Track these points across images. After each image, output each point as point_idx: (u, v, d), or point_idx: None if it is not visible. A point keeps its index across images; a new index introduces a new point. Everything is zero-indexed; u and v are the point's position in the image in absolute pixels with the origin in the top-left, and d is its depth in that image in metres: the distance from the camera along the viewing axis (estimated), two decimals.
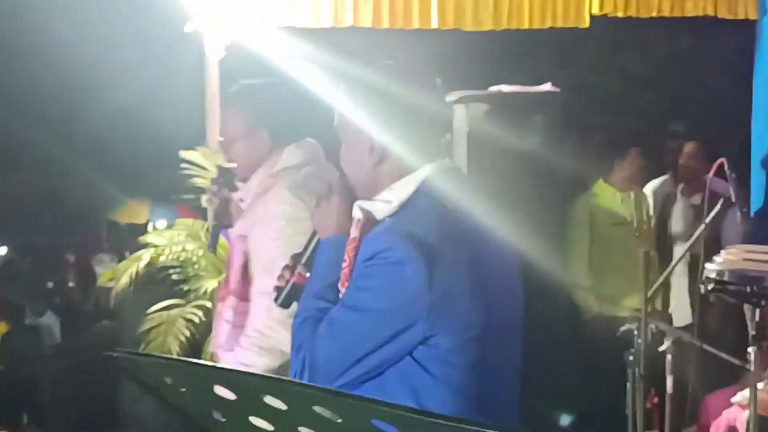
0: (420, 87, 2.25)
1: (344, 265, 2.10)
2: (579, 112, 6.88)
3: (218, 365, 1.16)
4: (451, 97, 5.80)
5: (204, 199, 3.20)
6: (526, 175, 5.35)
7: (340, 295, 2.10)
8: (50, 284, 12.77)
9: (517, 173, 5.35)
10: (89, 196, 15.07)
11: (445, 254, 1.99)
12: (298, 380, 1.96)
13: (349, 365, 1.98)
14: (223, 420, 1.06)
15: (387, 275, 1.98)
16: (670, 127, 7.08)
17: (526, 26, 6.04)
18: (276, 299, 2.33)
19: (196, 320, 5.34)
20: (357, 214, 2.13)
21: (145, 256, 5.63)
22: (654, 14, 6.04)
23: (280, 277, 2.32)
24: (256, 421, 1.03)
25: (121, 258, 12.64)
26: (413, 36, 6.23)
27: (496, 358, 2.09)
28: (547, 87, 5.69)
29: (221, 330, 3.03)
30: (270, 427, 1.03)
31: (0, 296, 10.69)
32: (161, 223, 14.27)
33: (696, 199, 5.34)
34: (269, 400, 0.97)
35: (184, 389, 1.07)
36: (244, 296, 2.94)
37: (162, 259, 5.62)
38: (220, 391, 1.02)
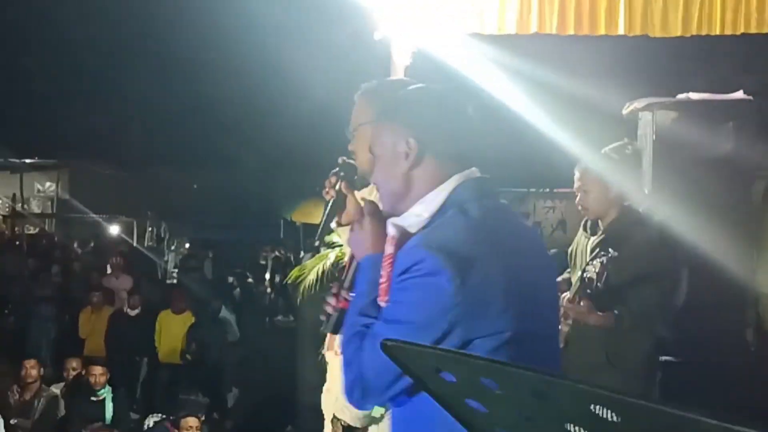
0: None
1: (382, 281, 2.11)
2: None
3: (486, 358, 1.15)
4: (637, 104, 5.66)
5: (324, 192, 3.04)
6: (716, 182, 5.17)
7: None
8: (230, 279, 13.32)
9: (706, 180, 5.17)
10: (270, 196, 15.57)
11: (477, 261, 2.00)
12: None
13: (395, 378, 1.99)
14: (487, 412, 1.05)
15: (421, 287, 1.99)
16: None
17: (717, 32, 5.79)
18: (324, 327, 2.34)
19: None
20: (391, 231, 2.13)
21: (331, 255, 5.73)
22: None
23: (327, 304, 2.33)
24: (520, 413, 1.03)
25: (296, 256, 13.05)
26: (598, 42, 6.09)
27: (533, 362, 2.05)
28: (739, 95, 5.47)
29: None
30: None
31: (184, 288, 11.23)
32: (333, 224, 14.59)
33: None
34: (536, 394, 0.97)
35: (455, 380, 1.06)
36: None
37: (347, 258, 5.69)
38: (487, 382, 1.02)
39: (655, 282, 4.27)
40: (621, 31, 5.84)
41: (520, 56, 5.78)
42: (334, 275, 5.96)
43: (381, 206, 2.27)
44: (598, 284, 4.23)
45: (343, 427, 2.89)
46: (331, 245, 5.92)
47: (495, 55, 5.83)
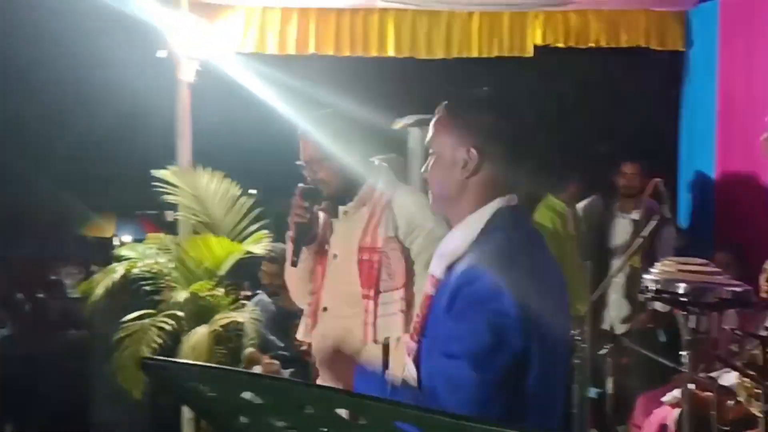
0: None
1: (416, 320, 2.03)
2: (522, 133, 6.94)
3: (246, 372, 1.16)
4: (407, 120, 5.83)
5: (291, 216, 3.06)
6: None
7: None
8: (19, 295, 12.53)
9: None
10: (59, 212, 14.87)
11: (523, 283, 1.85)
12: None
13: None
14: (248, 422, 1.06)
15: (483, 313, 1.81)
16: (603, 149, 7.21)
17: (474, 55, 6.11)
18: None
19: (168, 328, 5.27)
20: (437, 272, 1.97)
21: (119, 268, 5.54)
22: (592, 45, 6.15)
23: None
24: (279, 423, 1.03)
25: (88, 270, 12.46)
26: (372, 63, 6.25)
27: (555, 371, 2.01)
28: None
29: (394, 319, 2.87)
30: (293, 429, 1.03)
31: None
32: (127, 237, 14.13)
33: (633, 215, 5.42)
34: (294, 403, 0.98)
35: (213, 394, 1.06)
36: (410, 289, 2.88)
37: (135, 271, 5.55)
38: (247, 395, 1.02)
39: None
40: (391, 53, 6.05)
41: (300, 76, 5.82)
42: (125, 287, 5.78)
43: (431, 203, 2.10)
44: None
45: None
46: (119, 259, 5.74)
47: (276, 74, 5.85)
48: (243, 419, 1.06)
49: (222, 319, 5.29)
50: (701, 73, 6.05)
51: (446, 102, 2.05)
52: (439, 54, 6.08)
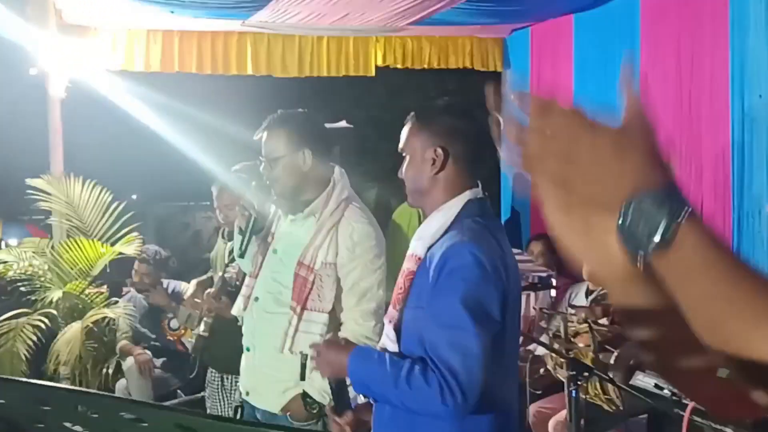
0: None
1: (399, 292, 2.05)
2: (369, 142, 7.07)
3: (29, 381, 1.15)
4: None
5: (237, 212, 2.87)
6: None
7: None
8: None
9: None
10: None
11: (496, 259, 1.97)
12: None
13: (479, 368, 1.88)
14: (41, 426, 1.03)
15: (474, 279, 1.92)
16: None
17: (324, 74, 6.18)
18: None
19: (43, 326, 5.10)
20: (419, 251, 2.04)
21: None
22: (426, 66, 6.34)
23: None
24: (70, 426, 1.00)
25: None
26: (234, 81, 6.22)
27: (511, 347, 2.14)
28: (342, 123, 5.84)
29: (314, 338, 2.69)
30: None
31: None
32: (13, 241, 13.47)
33: None
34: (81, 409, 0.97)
35: (3, 401, 1.03)
36: (335, 314, 2.72)
37: (11, 273, 5.34)
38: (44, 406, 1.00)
39: None
40: (249, 71, 6.04)
41: (165, 92, 5.75)
42: (2, 288, 5.56)
43: (409, 198, 2.16)
44: (237, 283, 4.32)
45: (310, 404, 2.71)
46: None
47: (142, 90, 5.76)
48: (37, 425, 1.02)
49: (94, 315, 5.16)
50: (517, 88, 6.30)
51: (414, 112, 2.15)
52: (294, 73, 6.11)
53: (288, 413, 2.78)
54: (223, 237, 4.86)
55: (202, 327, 4.34)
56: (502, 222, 6.21)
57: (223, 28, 5.79)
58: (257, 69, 6.02)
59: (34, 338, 5.02)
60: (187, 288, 5.42)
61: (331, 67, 6.10)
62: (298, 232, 2.76)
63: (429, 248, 2.03)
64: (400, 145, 2.17)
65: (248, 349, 2.87)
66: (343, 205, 2.73)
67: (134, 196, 5.86)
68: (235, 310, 2.98)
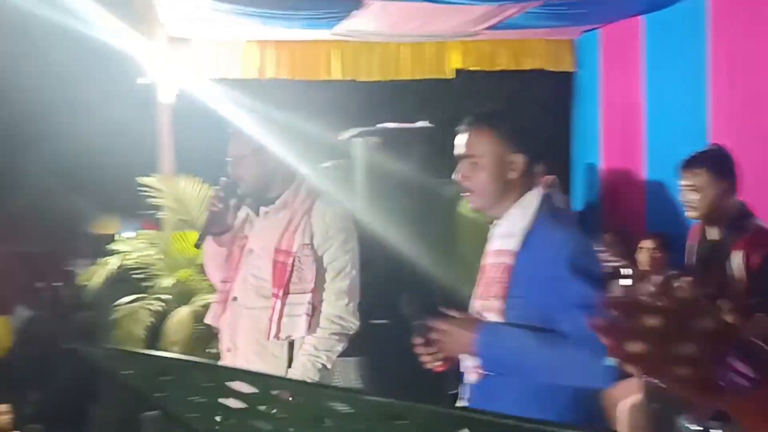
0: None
1: (500, 284, 1.95)
2: (446, 141, 6.91)
3: (160, 355, 1.10)
4: (351, 132, 5.77)
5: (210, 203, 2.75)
6: (408, 188, 5.34)
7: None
8: (39, 284, 12.26)
9: (401, 187, 5.34)
10: (72, 213, 14.62)
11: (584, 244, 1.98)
12: None
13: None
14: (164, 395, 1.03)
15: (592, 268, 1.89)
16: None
17: (405, 77, 6.09)
18: None
19: (156, 309, 5.17)
20: (512, 246, 1.95)
21: (113, 260, 5.43)
22: (501, 68, 6.16)
23: None
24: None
25: (95, 262, 12.21)
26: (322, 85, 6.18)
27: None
28: (421, 123, 5.71)
29: (299, 320, 2.62)
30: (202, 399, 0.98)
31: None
32: (128, 234, 13.91)
33: None
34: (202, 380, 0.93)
35: (131, 372, 1.02)
36: (318, 294, 2.63)
37: (128, 262, 5.44)
38: (163, 376, 0.98)
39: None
40: (336, 76, 5.99)
41: (260, 97, 5.73)
42: (121, 276, 5.65)
43: (473, 204, 2.06)
44: None
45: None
46: (115, 252, 5.62)
47: (240, 96, 5.76)
48: (158, 394, 1.02)
49: (201, 300, 5.20)
50: (588, 88, 6.08)
51: (475, 115, 2.05)
52: (376, 77, 6.04)
53: None
54: None
55: None
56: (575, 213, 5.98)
57: (312, 37, 5.74)
58: (343, 74, 5.97)
59: (149, 321, 5.09)
60: None
61: (410, 71, 5.99)
62: (272, 225, 2.68)
63: (523, 241, 1.94)
64: (463, 150, 2.03)
65: (228, 350, 2.70)
66: (314, 194, 2.71)
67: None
68: (210, 318, 2.81)
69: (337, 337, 2.63)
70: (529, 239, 1.94)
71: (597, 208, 5.97)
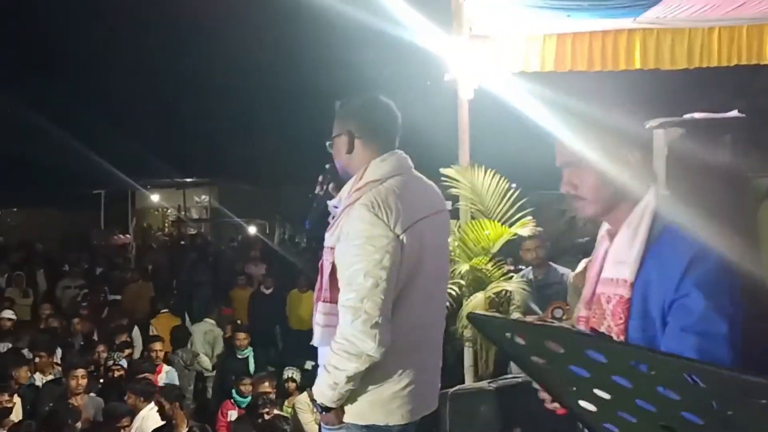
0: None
1: (618, 324, 1.71)
2: (759, 132, 6.33)
3: (545, 325, 1.18)
4: (652, 123, 5.55)
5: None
6: (716, 184, 5.02)
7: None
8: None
9: (708, 183, 5.04)
10: None
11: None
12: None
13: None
14: (544, 363, 1.07)
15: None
16: None
17: (715, 64, 5.67)
18: None
19: (452, 294, 5.42)
20: (625, 275, 1.74)
21: None
22: None
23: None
24: (578, 370, 1.01)
25: None
26: (619, 76, 6.01)
27: None
28: (734, 113, 5.31)
29: (315, 331, 2.51)
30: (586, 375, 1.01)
31: (306, 273, 11.33)
32: None
33: None
34: (590, 353, 0.96)
35: (522, 342, 1.06)
36: (335, 300, 2.38)
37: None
38: (551, 345, 1.02)
39: None
40: (637, 65, 5.78)
41: (557, 89, 5.74)
42: None
43: (594, 209, 1.88)
44: None
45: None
46: None
47: (536, 89, 5.82)
48: (539, 360, 1.07)
49: (496, 287, 5.38)
50: None
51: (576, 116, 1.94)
52: (682, 65, 5.71)
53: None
54: None
55: None
56: None
57: (613, 27, 5.61)
58: (645, 63, 5.74)
59: (446, 304, 5.35)
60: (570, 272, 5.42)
61: (722, 57, 5.58)
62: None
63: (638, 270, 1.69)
64: (566, 158, 1.86)
65: None
66: (365, 188, 2.38)
67: (513, 185, 5.93)
68: None
69: (346, 356, 2.34)
70: (643, 267, 1.72)
71: None
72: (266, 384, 6.59)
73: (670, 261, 1.66)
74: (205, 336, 8.64)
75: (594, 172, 1.81)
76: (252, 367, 8.09)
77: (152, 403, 5.60)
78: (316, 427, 6.22)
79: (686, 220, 2.22)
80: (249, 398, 6.57)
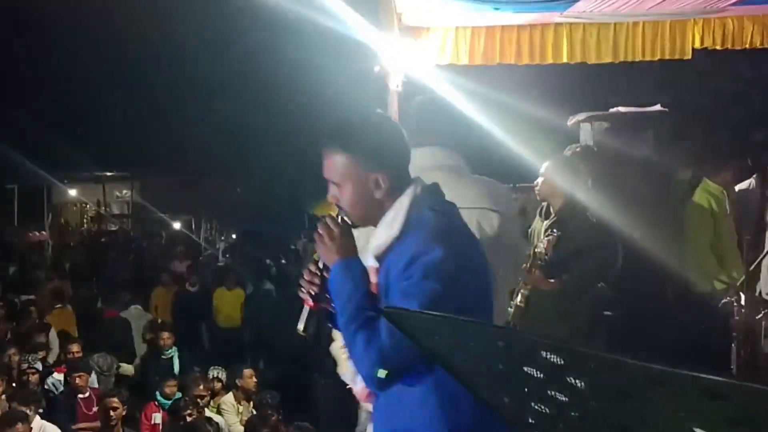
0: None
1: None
2: (681, 126, 6.56)
3: (464, 320, 1.15)
4: (579, 117, 5.66)
5: None
6: (640, 177, 5.17)
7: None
8: (268, 261, 13.33)
9: (632, 176, 5.18)
10: (296, 196, 15.72)
11: (462, 249, 1.89)
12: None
13: (412, 355, 1.73)
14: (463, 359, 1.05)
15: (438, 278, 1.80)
16: (759, 137, 6.66)
17: (639, 58, 5.81)
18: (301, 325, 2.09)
19: None
20: (373, 264, 1.93)
21: None
22: (747, 46, 5.70)
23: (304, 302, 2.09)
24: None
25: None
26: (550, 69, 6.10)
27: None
28: (657, 107, 5.48)
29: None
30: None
31: (234, 270, 11.21)
32: None
33: None
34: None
35: (437, 337, 1.05)
36: None
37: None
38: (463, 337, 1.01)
39: (594, 254, 4.30)
40: (564, 59, 5.87)
41: (485, 83, 5.80)
42: None
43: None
44: (546, 257, 4.25)
45: None
46: None
47: (465, 82, 5.85)
48: (459, 356, 1.05)
49: None
50: None
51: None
52: (608, 59, 5.82)
53: None
54: (540, 215, 4.80)
55: (519, 298, 4.33)
56: None
57: (541, 21, 5.67)
58: (572, 57, 5.82)
59: None
60: None
61: (646, 52, 5.71)
62: None
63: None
64: (328, 175, 2.02)
65: None
66: None
67: None
68: None
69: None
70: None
71: None
72: (201, 387, 6.46)
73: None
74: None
75: (348, 191, 1.99)
76: (177, 367, 7.89)
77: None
78: (242, 428, 6.12)
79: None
80: (173, 400, 6.40)
